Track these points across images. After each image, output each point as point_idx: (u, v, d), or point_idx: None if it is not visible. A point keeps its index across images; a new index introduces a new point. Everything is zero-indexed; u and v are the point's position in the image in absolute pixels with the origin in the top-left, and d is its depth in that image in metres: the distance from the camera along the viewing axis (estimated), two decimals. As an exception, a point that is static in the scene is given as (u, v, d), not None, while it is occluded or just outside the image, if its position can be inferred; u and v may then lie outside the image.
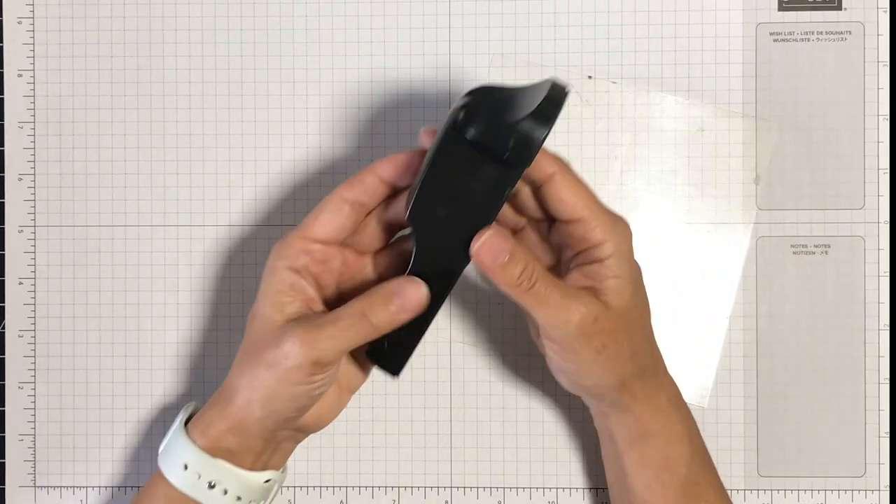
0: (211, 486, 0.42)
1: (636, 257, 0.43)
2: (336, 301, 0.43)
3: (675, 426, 0.44)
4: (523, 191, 0.43)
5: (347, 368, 0.45)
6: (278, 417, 0.42)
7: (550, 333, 0.42)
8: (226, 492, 0.43)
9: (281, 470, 0.46)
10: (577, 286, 0.42)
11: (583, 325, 0.41)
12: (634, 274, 0.42)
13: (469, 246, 0.41)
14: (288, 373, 0.41)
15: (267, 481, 0.44)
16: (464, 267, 0.42)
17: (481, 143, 0.39)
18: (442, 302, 0.42)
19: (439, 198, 0.40)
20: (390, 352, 0.44)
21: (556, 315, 0.41)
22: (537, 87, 0.40)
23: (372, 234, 0.44)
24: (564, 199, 0.41)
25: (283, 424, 0.43)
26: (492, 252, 0.40)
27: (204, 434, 0.43)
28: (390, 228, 0.44)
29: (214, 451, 0.42)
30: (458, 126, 0.39)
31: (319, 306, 0.43)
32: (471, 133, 0.39)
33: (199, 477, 0.42)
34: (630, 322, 0.42)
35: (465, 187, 0.40)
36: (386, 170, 0.42)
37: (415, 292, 0.41)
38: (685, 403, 0.45)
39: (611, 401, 0.44)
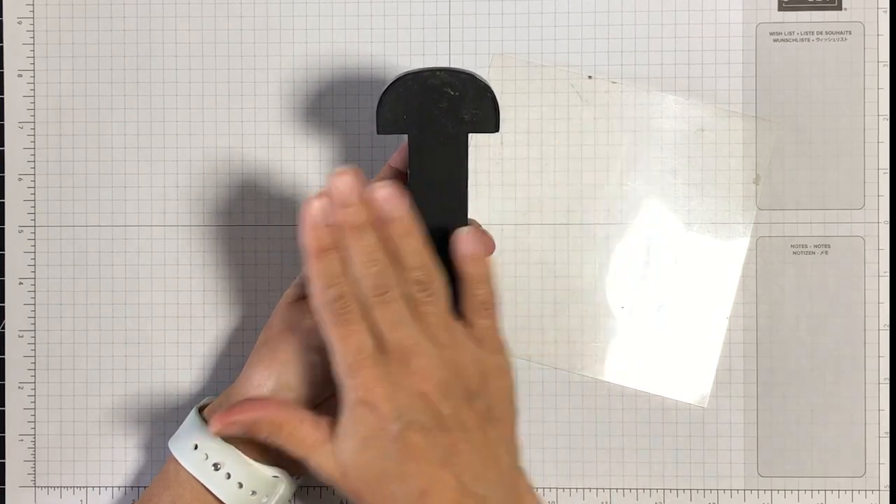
0: (216, 469, 0.43)
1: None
2: None
3: None
4: None
5: None
6: (290, 393, 0.43)
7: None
8: (229, 476, 0.43)
9: (295, 476, 0.46)
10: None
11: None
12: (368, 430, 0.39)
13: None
14: (308, 334, 0.43)
15: (275, 477, 0.44)
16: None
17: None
18: None
19: (423, 176, 0.42)
20: None
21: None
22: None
23: None
24: None
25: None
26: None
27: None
28: None
29: (223, 436, 0.43)
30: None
31: None
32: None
33: (207, 457, 0.43)
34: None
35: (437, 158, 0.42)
36: (399, 161, 0.44)
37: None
38: None
39: None
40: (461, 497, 0.39)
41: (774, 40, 0.50)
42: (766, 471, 0.50)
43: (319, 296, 0.40)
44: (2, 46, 0.51)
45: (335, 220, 0.39)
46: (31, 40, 0.51)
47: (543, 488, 0.51)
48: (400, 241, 0.40)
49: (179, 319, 0.51)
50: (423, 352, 0.39)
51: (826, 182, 0.50)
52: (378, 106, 0.42)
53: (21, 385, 0.51)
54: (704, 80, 0.50)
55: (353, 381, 0.39)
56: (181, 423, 0.46)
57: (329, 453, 0.40)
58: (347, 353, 0.39)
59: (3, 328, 0.51)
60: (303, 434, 0.40)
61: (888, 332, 0.50)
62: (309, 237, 0.39)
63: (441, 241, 0.42)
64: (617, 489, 0.50)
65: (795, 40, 0.50)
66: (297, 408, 0.41)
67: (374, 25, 0.51)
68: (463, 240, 0.41)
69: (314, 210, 0.39)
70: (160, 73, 0.51)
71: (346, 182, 0.39)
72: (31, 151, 0.51)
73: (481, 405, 0.40)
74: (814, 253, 0.50)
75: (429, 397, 0.39)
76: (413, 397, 0.39)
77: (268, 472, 0.44)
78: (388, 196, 0.39)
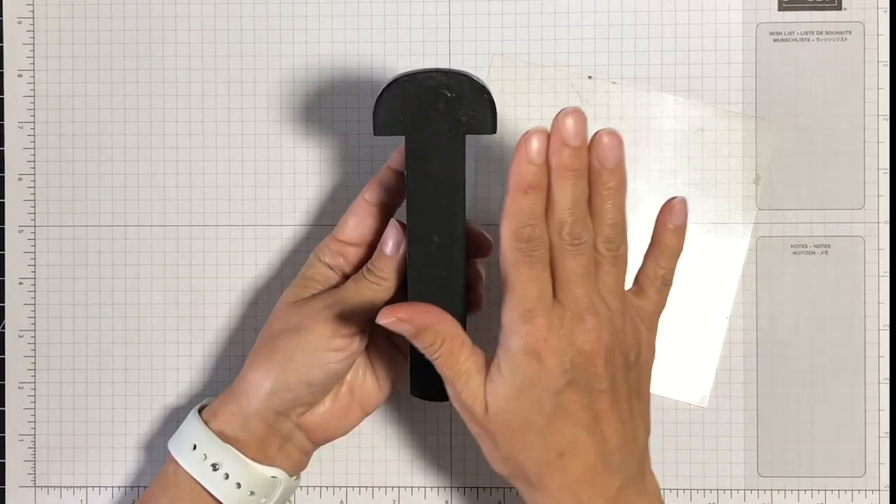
0: (215, 469, 0.43)
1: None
2: None
3: None
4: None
5: (364, 382, 0.46)
6: (288, 394, 0.43)
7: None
8: (227, 476, 0.43)
9: (293, 477, 0.46)
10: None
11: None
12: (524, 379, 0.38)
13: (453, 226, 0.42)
14: (310, 334, 0.43)
15: (273, 477, 0.44)
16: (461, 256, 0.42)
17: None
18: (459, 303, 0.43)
19: (422, 175, 0.42)
20: (434, 380, 0.42)
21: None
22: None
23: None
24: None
25: (290, 405, 0.44)
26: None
27: (213, 417, 0.44)
28: None
29: (221, 436, 0.44)
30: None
31: None
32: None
33: (206, 458, 0.43)
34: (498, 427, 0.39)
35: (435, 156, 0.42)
36: (398, 162, 0.44)
37: (394, 231, 0.43)
38: None
39: None
40: (597, 464, 0.39)
41: (774, 40, 0.50)
42: (766, 471, 0.50)
43: (513, 234, 0.38)
44: (2, 46, 0.51)
45: (553, 160, 0.38)
46: (31, 40, 0.51)
47: (543, 488, 0.51)
48: (605, 193, 0.39)
49: (179, 319, 0.51)
50: (598, 312, 0.39)
51: (826, 182, 0.50)
52: (374, 107, 0.41)
53: (21, 385, 0.51)
54: (704, 80, 0.50)
55: (526, 327, 0.38)
56: (181, 423, 0.46)
57: (478, 386, 0.39)
58: (526, 299, 0.38)
59: (3, 328, 0.51)
60: (460, 356, 0.39)
61: (888, 332, 0.50)
62: (519, 171, 0.38)
63: (439, 244, 0.42)
64: (617, 489, 0.50)
65: (795, 40, 0.50)
66: (460, 329, 0.40)
67: (374, 25, 0.51)
68: (675, 208, 0.41)
69: (533, 145, 0.38)
70: (160, 73, 0.51)
71: (574, 122, 0.38)
72: (31, 151, 0.51)
73: (633, 378, 0.40)
74: (814, 253, 0.50)
75: (594, 359, 0.39)
76: (581, 356, 0.38)
77: (266, 472, 0.44)
78: (612, 143, 0.38)
